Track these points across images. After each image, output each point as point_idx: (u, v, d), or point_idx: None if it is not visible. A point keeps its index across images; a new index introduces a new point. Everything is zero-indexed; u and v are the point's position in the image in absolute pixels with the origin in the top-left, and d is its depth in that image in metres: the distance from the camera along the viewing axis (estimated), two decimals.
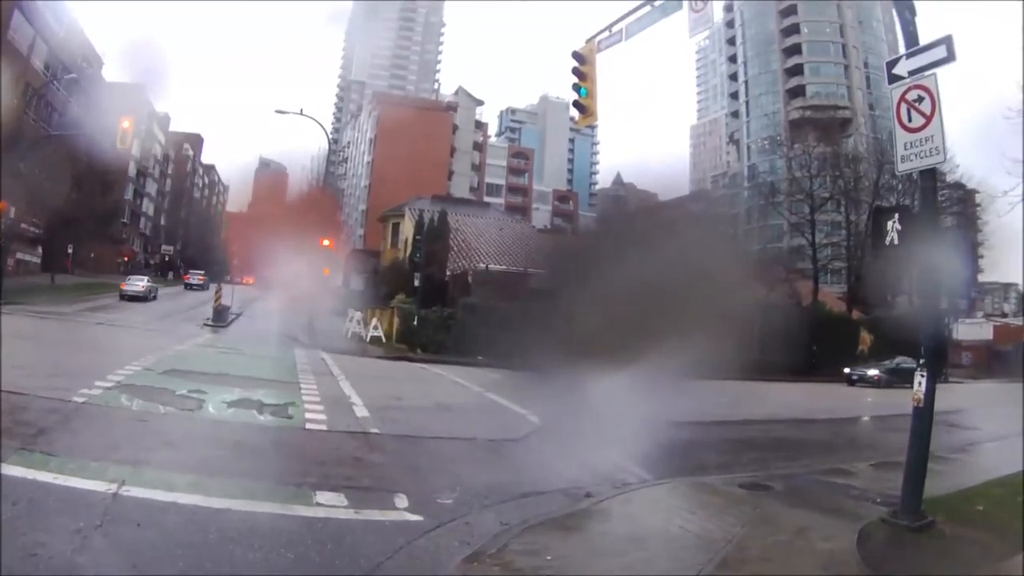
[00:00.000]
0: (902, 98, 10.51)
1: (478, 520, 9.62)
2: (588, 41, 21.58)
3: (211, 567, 7.54)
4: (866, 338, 50.80)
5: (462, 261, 55.52)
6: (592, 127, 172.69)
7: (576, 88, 21.77)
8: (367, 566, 7.79)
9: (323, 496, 9.91)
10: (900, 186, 55.71)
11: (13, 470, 9.77)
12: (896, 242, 10.35)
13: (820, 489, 12.53)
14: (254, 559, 7.77)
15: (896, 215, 10.57)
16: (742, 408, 24.27)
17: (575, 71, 21.71)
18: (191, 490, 9.69)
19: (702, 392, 21.65)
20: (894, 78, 10.80)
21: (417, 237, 53.81)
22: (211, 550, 7.92)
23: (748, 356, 31.44)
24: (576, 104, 22.24)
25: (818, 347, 43.65)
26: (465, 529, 9.22)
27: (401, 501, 10.03)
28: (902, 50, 11.13)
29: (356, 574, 7.65)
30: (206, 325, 40.29)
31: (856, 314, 58.43)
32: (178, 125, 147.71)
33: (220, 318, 41.62)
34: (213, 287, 53.18)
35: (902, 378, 34.78)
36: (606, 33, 21.06)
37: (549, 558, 7.98)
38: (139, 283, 57.07)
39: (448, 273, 52.35)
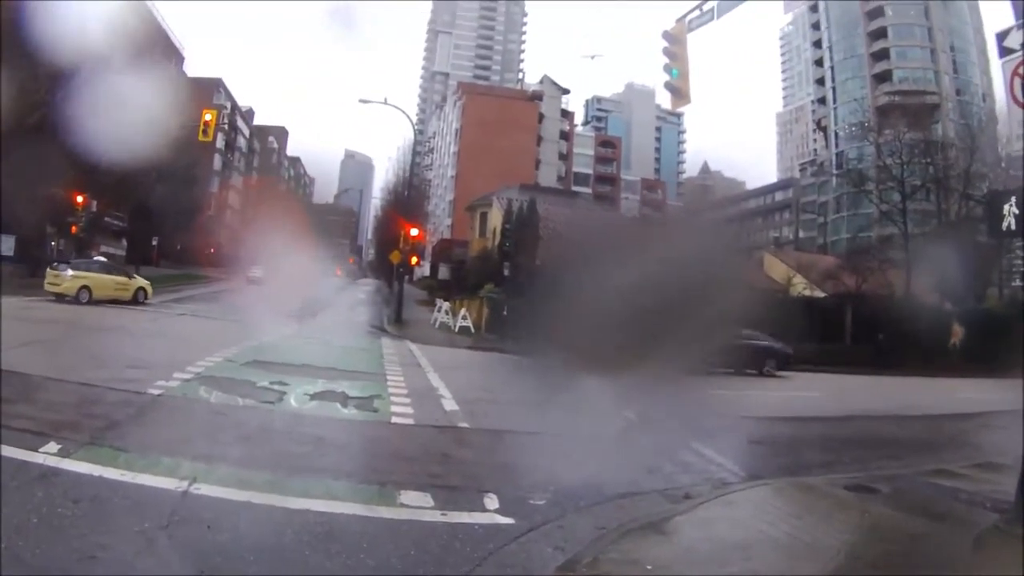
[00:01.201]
0: (1015, 72, 9.64)
1: (573, 524, 9.05)
2: (678, 21, 21.00)
3: (284, 574, 7.12)
4: (958, 331, 49.40)
5: (552, 250, 55.04)
6: (678, 115, 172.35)
7: (667, 70, 21.21)
8: (453, 574, 7.30)
9: (408, 496, 9.43)
10: (991, 174, 54.57)
11: (78, 466, 9.50)
12: (1014, 227, 9.49)
13: (928, 492, 11.79)
14: (332, 566, 7.33)
15: (1013, 198, 9.71)
16: (836, 403, 23.57)
17: (666, 51, 21.14)
18: (267, 489, 9.33)
19: (795, 386, 20.95)
20: (1005, 51, 9.96)
21: (506, 226, 53.67)
22: (285, 555, 7.52)
23: (838, 348, 30.58)
24: (668, 86, 21.67)
25: (908, 340, 42.38)
26: (559, 534, 8.66)
27: (491, 502, 9.52)
28: (995, 28, 10.28)
29: None
30: (291, 316, 40.37)
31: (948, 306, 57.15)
32: (263, 118, 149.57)
33: (307, 309, 41.72)
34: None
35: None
36: (697, 12, 20.48)
37: (649, 567, 7.44)
38: (258, 271, 60.05)
39: (538, 262, 51.87)
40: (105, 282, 41.33)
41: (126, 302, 40.56)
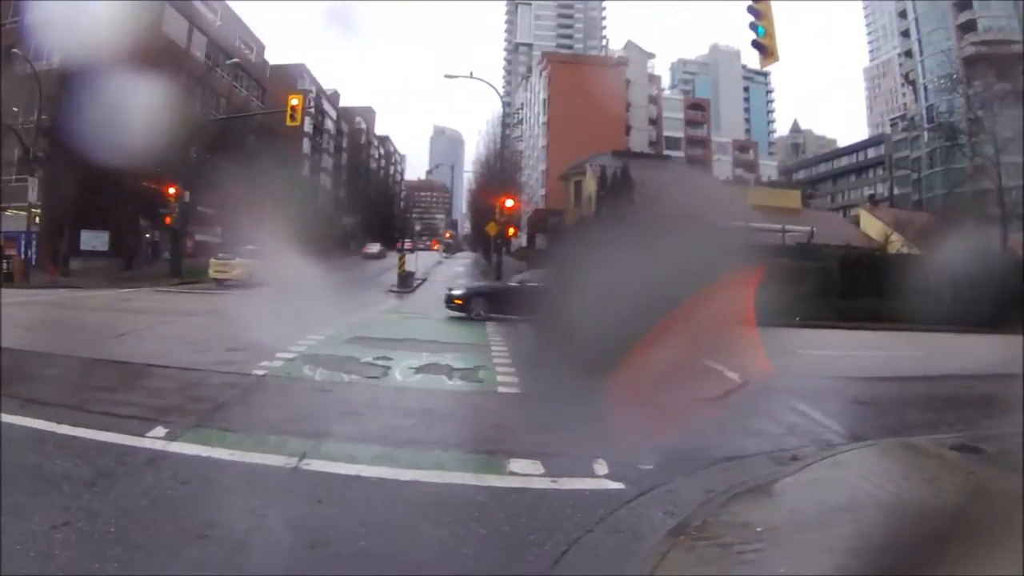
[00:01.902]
0: None
1: (681, 487, 8.98)
2: None
3: (396, 545, 7.15)
4: None
5: (648, 216, 54.75)
6: (765, 74, 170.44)
7: (753, 27, 20.87)
8: (565, 540, 7.24)
9: (518, 464, 9.48)
10: None
11: (186, 448, 9.72)
12: None
13: None
14: (443, 535, 7.36)
15: None
16: (938, 362, 23.14)
17: (750, 9, 20.83)
18: (376, 462, 9.46)
19: (896, 344, 20.56)
20: None
21: (601, 193, 53.42)
22: (396, 526, 7.57)
23: (938, 306, 30.00)
24: (755, 44, 21.34)
25: (1009, 297, 41.37)
26: (668, 498, 8.60)
27: (600, 468, 9.49)
28: None
29: (553, 549, 7.07)
30: (391, 291, 40.72)
31: None
32: (349, 100, 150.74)
33: (405, 284, 42.23)
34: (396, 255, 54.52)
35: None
36: None
37: (758, 530, 7.32)
38: (374, 247, 72.35)
39: (633, 228, 51.71)
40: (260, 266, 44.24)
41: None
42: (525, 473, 9.20)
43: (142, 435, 10.16)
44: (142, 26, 55.85)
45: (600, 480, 9.12)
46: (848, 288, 33.72)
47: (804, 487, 8.88)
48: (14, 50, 53.26)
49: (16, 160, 55.11)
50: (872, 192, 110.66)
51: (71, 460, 9.18)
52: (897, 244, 55.41)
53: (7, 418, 10.82)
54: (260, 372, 15.39)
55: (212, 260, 48.90)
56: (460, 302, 30.56)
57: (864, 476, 9.13)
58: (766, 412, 13.37)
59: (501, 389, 14.86)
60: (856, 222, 79.66)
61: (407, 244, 79.67)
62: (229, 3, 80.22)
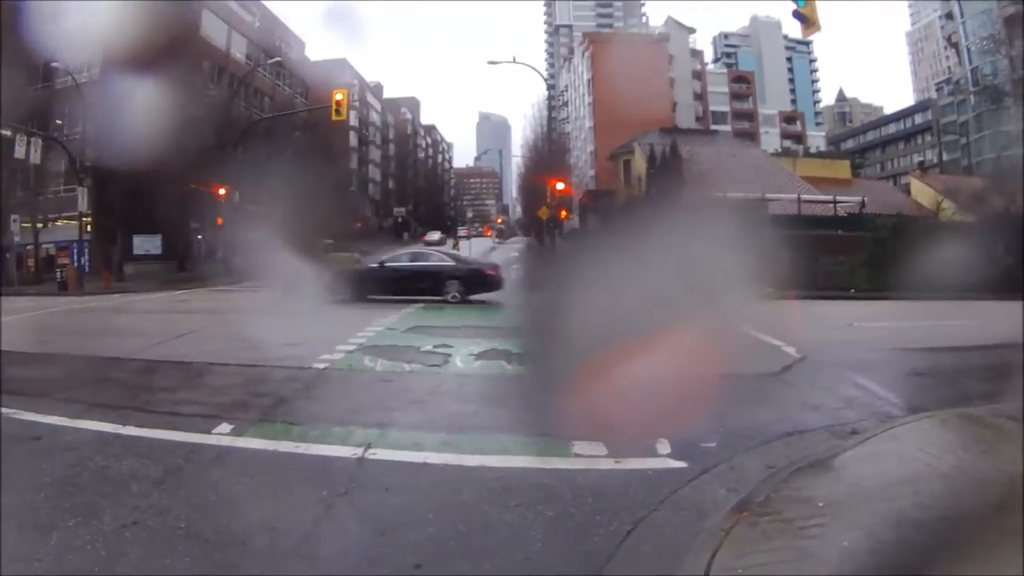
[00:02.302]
0: None
1: (743, 464, 9.05)
2: None
3: (464, 529, 7.21)
4: None
5: (699, 192, 54.48)
6: (807, 44, 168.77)
7: None
8: (630, 520, 7.32)
9: (582, 446, 9.51)
10: None
11: (252, 443, 9.95)
12: None
13: None
14: (510, 519, 7.44)
15: None
16: (995, 330, 22.95)
17: None
18: (442, 449, 9.61)
19: (952, 313, 20.42)
20: None
21: (651, 171, 53.32)
22: (464, 511, 7.63)
23: (994, 274, 29.74)
24: (796, 15, 21.24)
25: None
26: (731, 475, 8.66)
27: (663, 447, 9.53)
28: None
29: (619, 528, 7.14)
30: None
31: None
32: (392, 91, 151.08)
33: None
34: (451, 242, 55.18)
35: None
36: None
37: (821, 505, 7.33)
38: (435, 235, 73.35)
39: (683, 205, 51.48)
40: (345, 259, 48.31)
41: None
42: (589, 455, 9.24)
43: (208, 432, 10.36)
44: (180, 31, 56.33)
45: (663, 459, 9.17)
46: (902, 258, 33.51)
47: (864, 460, 8.86)
48: (55, 64, 53.89)
49: (63, 171, 55.78)
50: (921, 159, 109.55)
51: (138, 460, 9.38)
52: (949, 211, 54.90)
53: (74, 422, 11.06)
54: (321, 365, 15.55)
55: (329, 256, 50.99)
56: (331, 287, 31.74)
57: (923, 448, 9.10)
58: (824, 386, 13.34)
59: None
60: (907, 190, 78.96)
61: (462, 232, 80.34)
62: (267, 3, 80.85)
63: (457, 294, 30.42)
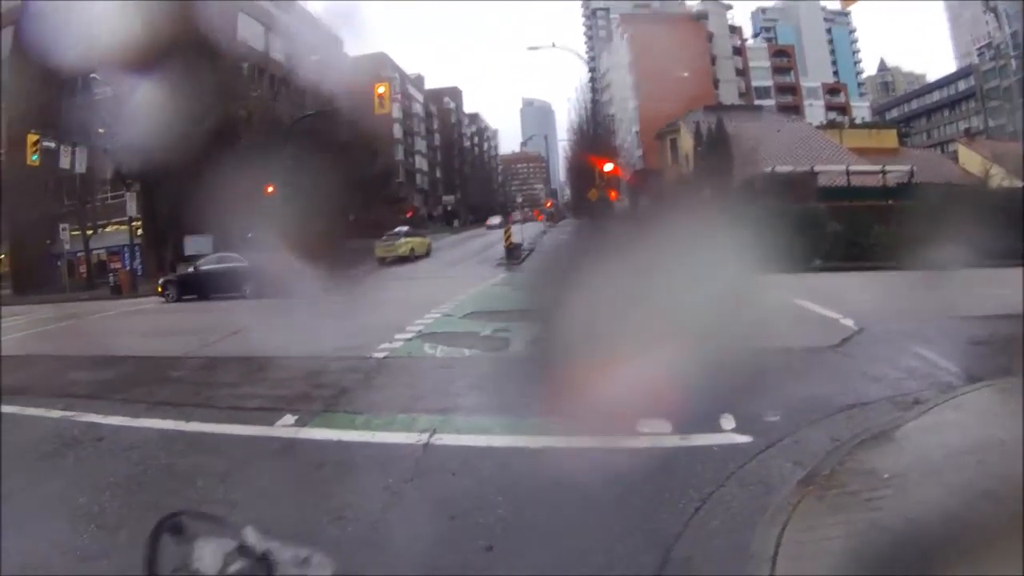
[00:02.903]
0: None
1: (807, 437, 9.04)
2: None
3: (532, 511, 7.30)
4: None
5: (747, 167, 54.23)
6: (846, 14, 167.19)
7: None
8: (698, 496, 7.37)
9: (646, 424, 9.50)
10: None
11: (316, 433, 10.11)
12: None
13: None
14: (578, 498, 7.51)
15: None
16: None
17: None
18: (506, 432, 9.70)
19: (1007, 281, 20.21)
20: None
21: (699, 149, 53.23)
22: (531, 493, 7.72)
23: None
24: None
25: None
26: (795, 448, 8.67)
27: (728, 422, 9.57)
28: None
29: (686, 506, 7.19)
30: (499, 265, 41.05)
31: None
32: (433, 82, 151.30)
33: (513, 256, 42.64)
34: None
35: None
36: None
37: (886, 476, 7.34)
38: (496, 219, 75.55)
39: (735, 181, 51.26)
40: (418, 243, 59.22)
41: (422, 257, 56.96)
42: (654, 432, 9.26)
43: (271, 424, 10.50)
44: (216, 35, 56.72)
45: (728, 435, 9.20)
46: (951, 226, 33.26)
47: (928, 431, 8.84)
48: (93, 75, 54.45)
49: (110, 178, 56.43)
50: (967, 126, 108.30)
51: (203, 455, 9.62)
52: (997, 177, 54.32)
53: (135, 422, 11.27)
54: (380, 355, 15.65)
55: (377, 243, 57.72)
56: (160, 289, 37.62)
57: (986, 418, 9.10)
58: (884, 357, 13.22)
59: None
60: (954, 158, 78.25)
61: (516, 216, 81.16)
62: (302, 3, 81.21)
63: (247, 291, 33.28)
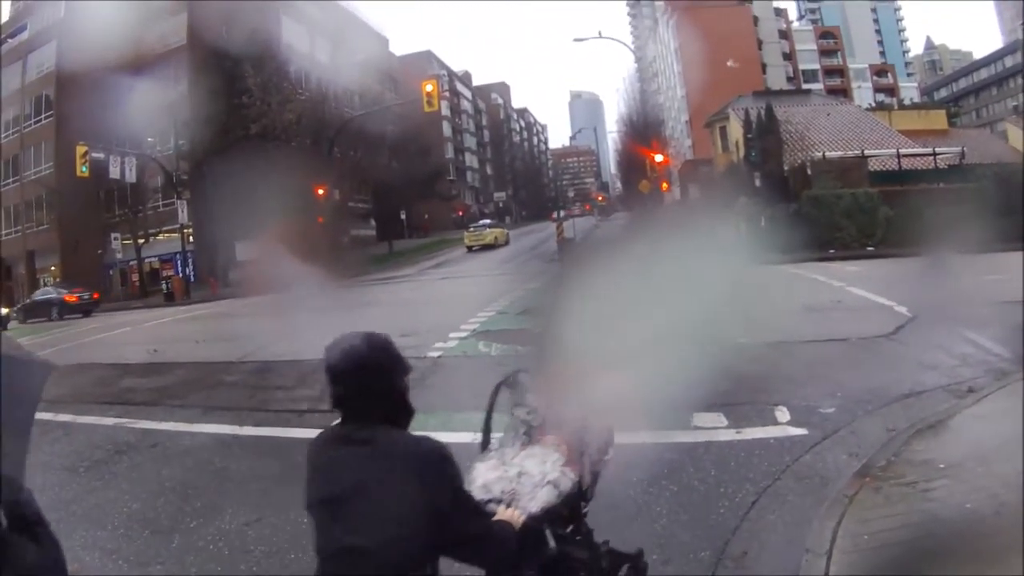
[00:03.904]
0: None
1: (863, 428, 9.06)
2: None
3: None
4: None
5: (798, 153, 53.85)
6: None
7: None
8: (754, 490, 7.45)
9: (701, 418, 9.55)
10: None
11: None
12: None
13: None
14: (634, 495, 7.57)
15: None
16: None
17: None
18: None
19: None
20: None
21: (748, 136, 52.93)
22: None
23: None
24: None
25: None
26: (852, 439, 8.71)
27: (783, 415, 9.65)
28: None
29: (743, 499, 7.28)
30: (554, 260, 41.13)
31: None
32: (482, 78, 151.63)
33: (566, 251, 42.66)
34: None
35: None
36: None
37: (942, 466, 7.33)
38: (562, 213, 69.93)
39: (786, 168, 50.91)
40: (499, 232, 65.48)
41: (503, 245, 62.61)
42: (709, 426, 9.32)
43: (325, 428, 10.53)
44: (262, 39, 57.06)
45: (783, 427, 9.25)
46: (1007, 208, 32.81)
47: (983, 419, 8.84)
48: (142, 84, 55.00)
49: (160, 186, 56.99)
50: (1015, 103, 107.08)
51: (257, 459, 9.84)
52: None
53: (190, 427, 11.57)
54: (435, 354, 15.85)
55: (466, 232, 65.64)
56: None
57: None
58: (938, 344, 13.16)
59: None
60: (1004, 136, 77.41)
61: (571, 212, 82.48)
62: (344, 4, 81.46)
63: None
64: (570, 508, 4.59)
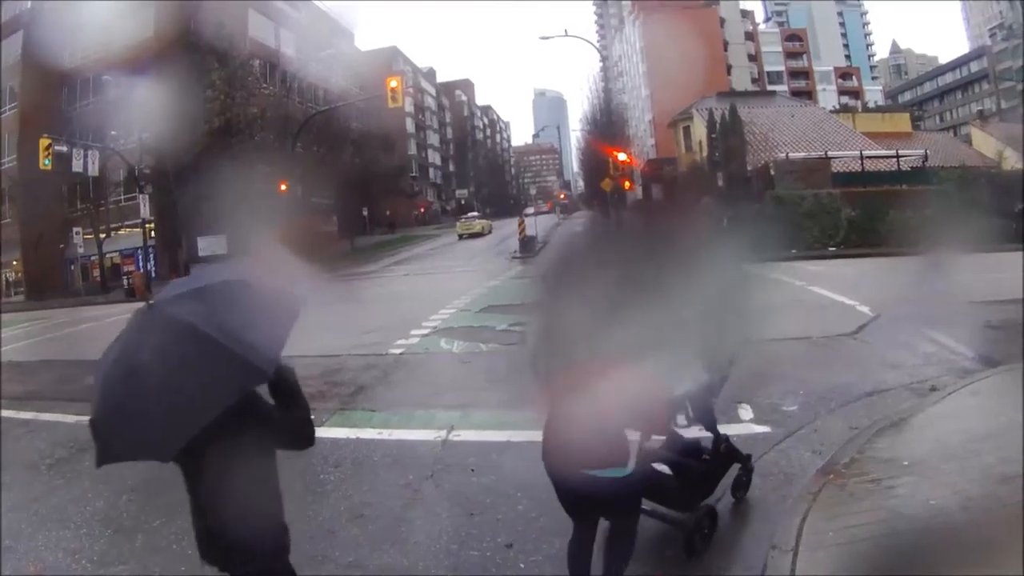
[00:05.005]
0: None
1: (826, 426, 9.15)
2: None
3: (553, 506, 7.13)
4: None
5: (761, 154, 54.11)
6: None
7: None
8: (719, 488, 7.22)
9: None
10: None
11: (334, 432, 10.12)
12: None
13: None
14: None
15: None
16: None
17: None
18: (525, 426, 9.43)
19: (1017, 264, 20.14)
20: None
21: (712, 136, 53.16)
22: (551, 488, 7.56)
23: None
24: None
25: None
26: (815, 437, 8.80)
27: (746, 412, 9.69)
28: None
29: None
30: (515, 258, 41.06)
31: None
32: (446, 75, 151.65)
33: (527, 248, 42.62)
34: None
35: None
36: None
37: (906, 464, 7.37)
38: (530, 209, 79.13)
39: (749, 168, 51.12)
40: (485, 223, 72.81)
41: (488, 234, 68.44)
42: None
43: None
44: (227, 33, 56.87)
45: (747, 425, 9.28)
46: (967, 210, 33.05)
47: (946, 417, 8.87)
48: (105, 77, 54.59)
49: (123, 180, 56.53)
50: (980, 108, 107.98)
51: None
52: (1011, 160, 54.19)
53: None
54: (397, 351, 15.75)
55: (458, 222, 73.92)
56: None
57: (1004, 402, 9.01)
58: (901, 343, 13.28)
59: None
60: (968, 141, 78.03)
61: (532, 209, 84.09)
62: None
63: None
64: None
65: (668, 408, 6.13)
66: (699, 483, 6.66)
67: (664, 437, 6.35)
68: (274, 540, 4.63)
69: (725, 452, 7.05)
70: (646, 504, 6.25)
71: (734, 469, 7.26)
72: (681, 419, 6.68)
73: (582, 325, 5.09)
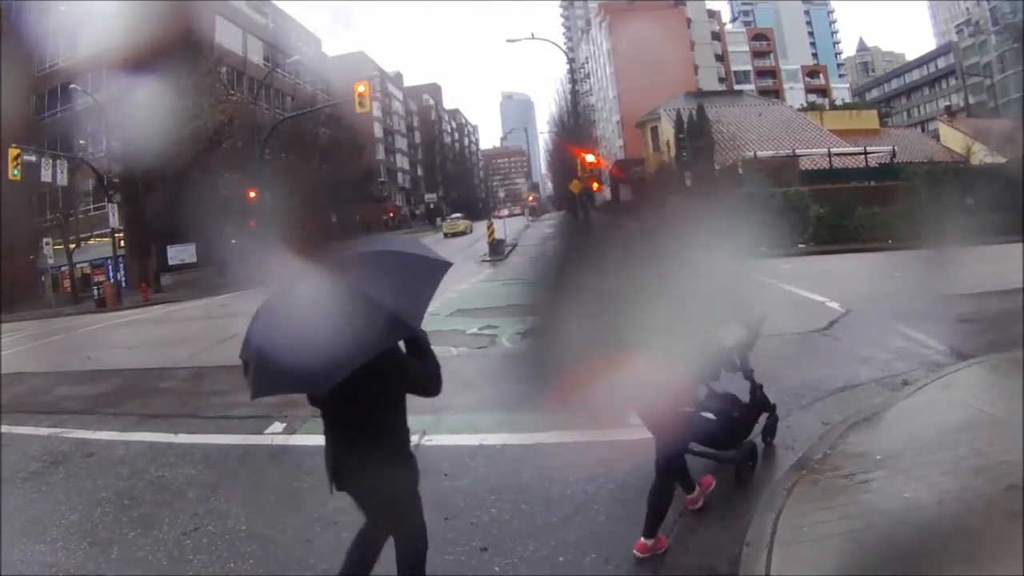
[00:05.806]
0: None
1: (799, 422, 9.14)
2: None
3: (527, 508, 7.36)
4: None
5: (729, 153, 54.26)
6: None
7: None
8: (690, 486, 7.27)
9: (636, 415, 9.33)
10: None
11: (307, 439, 9.92)
12: None
13: None
14: (572, 494, 7.56)
15: None
16: None
17: None
18: (497, 429, 9.73)
19: (992, 257, 20.21)
20: None
21: (680, 136, 53.30)
22: (525, 490, 7.78)
23: None
24: None
25: None
26: (787, 433, 8.73)
27: None
28: None
29: (681, 493, 7.14)
30: (484, 261, 41.02)
31: None
32: (413, 79, 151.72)
33: (497, 252, 42.58)
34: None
35: None
36: None
37: (879, 458, 7.37)
38: (503, 211, 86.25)
39: (717, 167, 51.26)
40: (467, 224, 78.59)
41: (469, 233, 73.10)
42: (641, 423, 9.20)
43: (261, 432, 10.60)
44: (194, 42, 56.74)
45: None
46: (937, 205, 33.20)
47: (919, 411, 8.86)
48: (73, 86, 54.29)
49: (92, 190, 56.25)
50: (948, 103, 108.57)
51: (194, 467, 9.65)
52: (979, 154, 54.50)
53: (125, 436, 11.32)
54: None
55: (443, 222, 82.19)
56: None
57: (976, 395, 9.05)
58: (872, 339, 13.32)
59: None
60: (936, 136, 78.45)
61: (502, 213, 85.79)
62: (278, 4, 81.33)
63: None
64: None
65: (720, 360, 7.38)
66: (740, 425, 7.76)
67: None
68: (404, 467, 5.57)
69: (760, 398, 8.14)
70: (695, 447, 7.48)
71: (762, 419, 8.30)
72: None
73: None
